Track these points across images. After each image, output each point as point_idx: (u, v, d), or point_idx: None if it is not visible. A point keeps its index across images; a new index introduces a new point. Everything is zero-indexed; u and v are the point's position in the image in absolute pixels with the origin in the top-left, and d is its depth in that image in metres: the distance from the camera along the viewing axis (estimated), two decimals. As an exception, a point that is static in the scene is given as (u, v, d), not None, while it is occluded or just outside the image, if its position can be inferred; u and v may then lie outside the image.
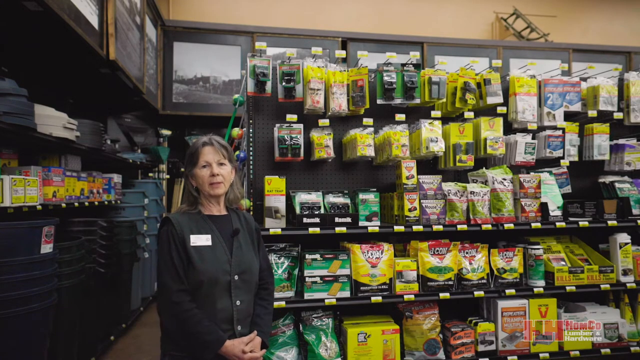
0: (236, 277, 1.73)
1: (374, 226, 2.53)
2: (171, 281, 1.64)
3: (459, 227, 2.59)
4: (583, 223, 2.72)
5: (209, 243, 1.72)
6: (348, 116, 2.82)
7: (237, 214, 1.90)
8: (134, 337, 4.21)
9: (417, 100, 2.74)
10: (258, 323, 1.79)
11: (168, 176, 6.33)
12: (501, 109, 2.86)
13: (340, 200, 2.63)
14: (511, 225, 2.64)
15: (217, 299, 1.69)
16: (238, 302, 1.72)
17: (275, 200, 2.50)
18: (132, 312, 4.64)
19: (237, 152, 2.73)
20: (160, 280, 1.68)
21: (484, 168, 2.86)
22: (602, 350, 2.69)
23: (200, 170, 1.77)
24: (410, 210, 2.55)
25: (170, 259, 1.66)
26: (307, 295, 2.42)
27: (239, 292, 1.73)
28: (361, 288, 2.48)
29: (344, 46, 6.04)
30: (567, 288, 2.65)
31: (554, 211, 2.74)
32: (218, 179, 1.76)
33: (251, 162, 2.73)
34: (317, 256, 2.45)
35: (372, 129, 2.69)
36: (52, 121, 2.87)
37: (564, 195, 2.89)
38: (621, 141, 3.06)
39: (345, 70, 2.68)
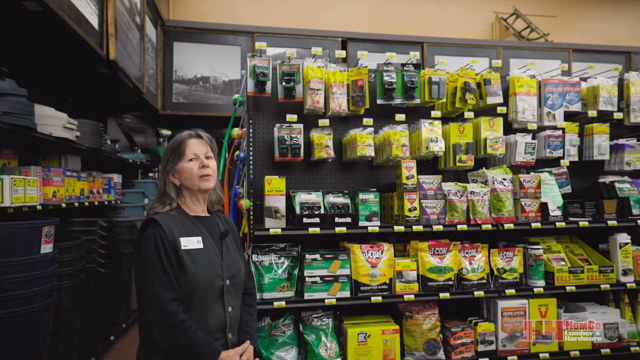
0: (228, 282, 1.63)
1: (374, 226, 2.53)
2: (163, 289, 1.49)
3: (459, 227, 2.59)
4: (583, 223, 2.72)
5: (201, 246, 1.60)
6: (348, 116, 2.82)
7: (218, 216, 1.81)
8: (134, 337, 4.21)
9: (417, 100, 2.74)
10: (248, 331, 1.70)
11: (168, 176, 6.32)
12: (501, 109, 2.86)
13: (340, 200, 2.63)
14: (511, 225, 2.64)
15: (209, 306, 1.58)
16: (230, 309, 1.63)
17: (275, 200, 2.50)
18: (132, 312, 4.63)
19: (237, 152, 2.73)
20: (149, 288, 1.52)
21: (484, 168, 2.86)
22: (602, 350, 2.69)
23: (188, 164, 1.64)
24: (410, 210, 2.55)
25: (161, 265, 1.51)
26: (307, 295, 2.42)
27: (230, 298, 1.64)
28: (361, 288, 2.48)
29: (344, 46, 6.04)
30: (567, 288, 2.65)
31: (554, 211, 2.74)
32: (208, 170, 1.65)
33: (251, 162, 2.72)
34: (317, 256, 2.45)
35: (372, 129, 2.69)
36: (52, 121, 2.87)
37: (564, 195, 2.89)
38: (621, 141, 3.06)
39: (345, 70, 2.68)
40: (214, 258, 1.62)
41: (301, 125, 2.67)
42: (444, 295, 2.53)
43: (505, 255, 2.69)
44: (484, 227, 2.61)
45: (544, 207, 2.70)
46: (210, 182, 1.67)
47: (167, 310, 1.48)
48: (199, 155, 1.65)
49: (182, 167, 1.64)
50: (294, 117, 2.66)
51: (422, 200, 2.58)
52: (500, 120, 2.84)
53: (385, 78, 2.68)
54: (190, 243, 1.58)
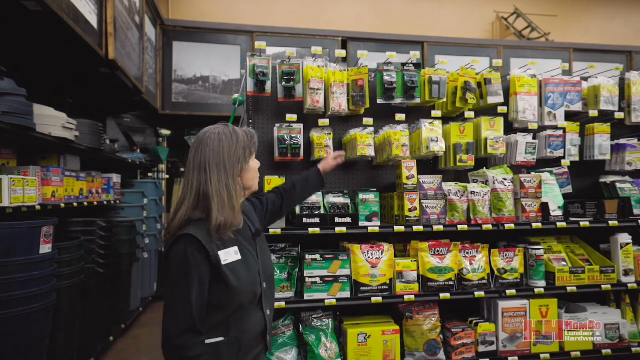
0: (264, 285, 1.50)
1: (374, 226, 2.52)
2: (178, 317, 1.31)
3: (460, 227, 2.58)
4: (584, 223, 2.71)
5: (239, 257, 1.42)
6: (348, 116, 2.81)
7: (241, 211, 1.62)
8: (133, 338, 4.21)
9: (418, 100, 2.73)
10: None
11: (167, 176, 6.32)
12: (502, 109, 2.85)
13: (340, 200, 2.62)
14: (512, 226, 2.63)
15: (250, 314, 1.45)
16: (268, 312, 1.52)
17: (275, 200, 2.48)
18: (132, 313, 4.63)
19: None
20: (168, 307, 1.33)
21: (484, 168, 2.85)
22: (603, 351, 2.68)
23: (255, 163, 1.51)
24: (410, 210, 2.54)
25: (185, 288, 1.31)
26: (307, 296, 2.41)
27: (267, 301, 1.52)
28: (361, 288, 2.47)
29: (344, 46, 6.03)
30: (568, 288, 2.64)
31: (555, 211, 2.73)
32: None
33: (251, 162, 2.71)
34: (317, 256, 2.44)
35: (372, 128, 2.68)
36: (51, 121, 2.87)
37: (564, 195, 2.88)
38: (622, 141, 3.05)
39: (345, 70, 2.67)
40: (253, 266, 1.47)
41: (301, 125, 2.66)
42: (445, 295, 2.52)
43: (506, 255, 2.68)
44: (485, 227, 2.60)
45: (544, 207, 2.70)
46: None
47: (175, 343, 1.31)
48: None
49: (253, 165, 1.50)
50: (294, 117, 2.65)
51: (422, 200, 2.57)
52: (500, 120, 2.83)
53: (386, 78, 2.67)
54: (229, 256, 1.40)
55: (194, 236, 1.34)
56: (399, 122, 2.72)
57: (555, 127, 2.93)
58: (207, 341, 1.37)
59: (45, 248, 2.41)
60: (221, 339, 1.39)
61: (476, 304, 2.83)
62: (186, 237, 1.35)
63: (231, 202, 1.40)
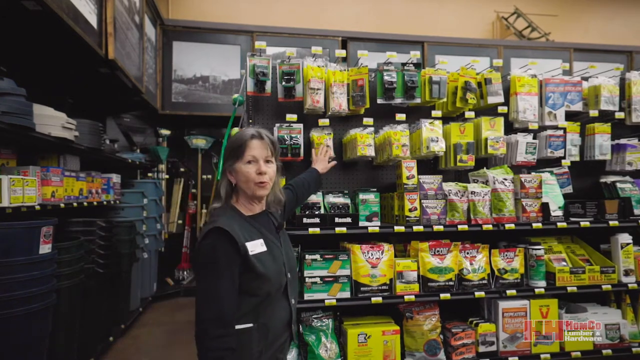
0: (289, 275, 1.62)
1: (374, 226, 2.51)
2: (205, 308, 1.42)
3: (460, 227, 2.58)
4: (584, 223, 2.71)
5: (265, 248, 1.55)
6: (348, 116, 2.81)
7: (271, 212, 1.76)
8: (133, 338, 4.20)
9: (418, 100, 2.72)
10: None
11: (167, 176, 6.32)
12: (502, 109, 2.84)
13: (340, 200, 2.62)
14: (512, 226, 2.63)
15: (276, 303, 1.57)
16: (293, 301, 1.64)
17: (275, 200, 2.48)
18: (132, 313, 4.63)
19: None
20: (198, 299, 1.44)
21: (484, 168, 2.85)
22: (604, 351, 2.68)
23: (245, 166, 1.57)
24: (410, 210, 2.53)
25: (214, 280, 1.42)
26: (307, 296, 2.41)
27: (292, 290, 1.64)
28: (361, 289, 2.46)
29: (344, 45, 6.03)
30: (569, 288, 2.64)
31: (555, 211, 2.73)
32: (264, 178, 1.58)
33: (251, 162, 2.71)
34: (317, 256, 2.44)
35: (372, 128, 2.68)
36: (51, 121, 2.87)
37: (565, 195, 2.87)
38: (623, 141, 3.05)
39: (345, 70, 2.67)
40: (278, 257, 1.59)
41: (301, 125, 2.65)
42: (445, 295, 2.51)
43: (506, 255, 2.68)
44: (485, 227, 2.60)
45: (545, 207, 2.69)
46: (265, 189, 1.61)
47: (209, 333, 1.41)
48: (258, 159, 1.59)
49: (240, 169, 1.59)
50: (294, 117, 2.65)
51: (422, 201, 2.57)
52: (501, 120, 2.83)
53: (386, 77, 2.67)
54: (256, 247, 1.52)
55: (223, 229, 1.45)
56: (399, 122, 2.72)
57: (556, 127, 2.93)
58: (238, 327, 1.47)
59: (45, 248, 2.41)
60: (251, 325, 1.50)
61: (476, 304, 2.83)
62: (217, 230, 1.46)
63: (219, 192, 1.62)
